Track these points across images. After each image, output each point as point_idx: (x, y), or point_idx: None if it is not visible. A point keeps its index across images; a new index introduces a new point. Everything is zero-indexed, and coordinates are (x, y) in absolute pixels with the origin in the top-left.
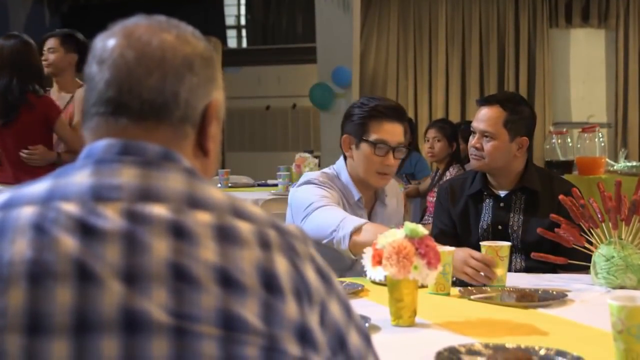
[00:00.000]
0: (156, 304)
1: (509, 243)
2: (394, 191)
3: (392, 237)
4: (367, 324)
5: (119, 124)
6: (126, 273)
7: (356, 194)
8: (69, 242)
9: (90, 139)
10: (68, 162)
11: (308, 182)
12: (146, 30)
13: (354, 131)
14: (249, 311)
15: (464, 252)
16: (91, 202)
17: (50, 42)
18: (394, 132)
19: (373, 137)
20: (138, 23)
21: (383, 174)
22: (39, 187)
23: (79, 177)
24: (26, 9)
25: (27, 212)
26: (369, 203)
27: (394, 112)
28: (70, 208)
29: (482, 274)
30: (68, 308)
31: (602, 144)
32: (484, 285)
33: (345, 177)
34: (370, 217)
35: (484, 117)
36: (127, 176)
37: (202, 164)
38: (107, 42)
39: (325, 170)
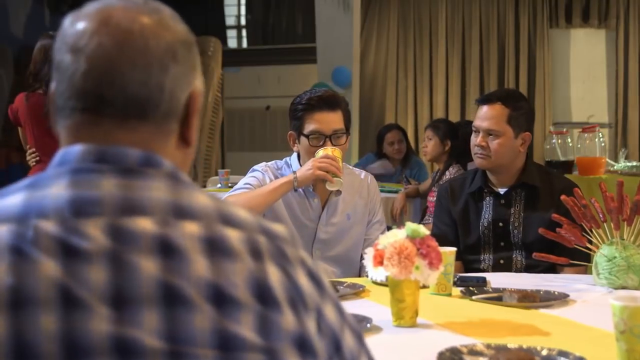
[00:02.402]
0: (148, 330)
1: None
2: (350, 182)
3: (394, 237)
4: (368, 325)
5: (102, 124)
6: (114, 297)
7: None
8: (50, 266)
9: (66, 140)
10: None
11: (255, 169)
12: (124, 15)
13: (294, 127)
14: (245, 327)
15: (308, 163)
16: (71, 218)
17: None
18: (326, 120)
19: (307, 129)
20: (114, 5)
21: None
22: (12, 200)
23: (55, 189)
24: (26, 8)
25: (2, 232)
26: (325, 190)
27: (324, 102)
28: (49, 226)
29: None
30: (54, 336)
31: (602, 144)
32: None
33: (296, 165)
34: (326, 203)
35: (487, 116)
36: (107, 188)
37: (184, 154)
38: (80, 27)
39: (279, 161)
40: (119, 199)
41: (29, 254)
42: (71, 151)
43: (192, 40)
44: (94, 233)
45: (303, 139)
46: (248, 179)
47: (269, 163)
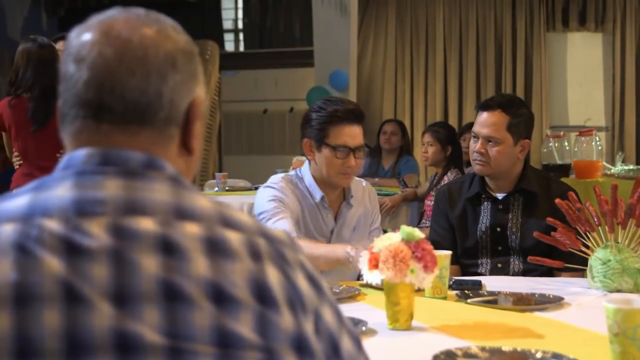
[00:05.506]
0: (148, 325)
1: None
2: (360, 192)
3: (389, 240)
4: (363, 328)
5: (102, 129)
6: (116, 293)
7: (318, 194)
8: (54, 263)
9: (71, 146)
10: None
11: (268, 186)
12: (125, 26)
13: (314, 135)
14: (244, 326)
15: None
16: (75, 218)
17: (60, 44)
18: (353, 134)
19: (333, 141)
20: (116, 17)
21: (346, 173)
22: (18, 202)
23: (60, 190)
24: (23, 12)
25: (7, 230)
26: (336, 203)
27: (352, 115)
28: (53, 225)
29: None
30: (57, 331)
31: (599, 148)
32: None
33: (308, 179)
34: (336, 217)
35: (487, 123)
36: (110, 188)
37: (186, 162)
38: (83, 39)
39: (290, 173)
40: (122, 199)
41: (33, 251)
42: (76, 155)
43: (193, 50)
44: (97, 232)
45: (327, 150)
46: (274, 201)
47: (282, 181)
